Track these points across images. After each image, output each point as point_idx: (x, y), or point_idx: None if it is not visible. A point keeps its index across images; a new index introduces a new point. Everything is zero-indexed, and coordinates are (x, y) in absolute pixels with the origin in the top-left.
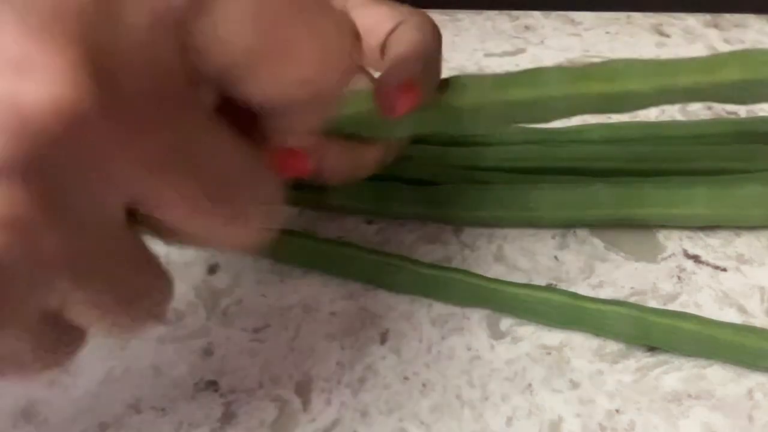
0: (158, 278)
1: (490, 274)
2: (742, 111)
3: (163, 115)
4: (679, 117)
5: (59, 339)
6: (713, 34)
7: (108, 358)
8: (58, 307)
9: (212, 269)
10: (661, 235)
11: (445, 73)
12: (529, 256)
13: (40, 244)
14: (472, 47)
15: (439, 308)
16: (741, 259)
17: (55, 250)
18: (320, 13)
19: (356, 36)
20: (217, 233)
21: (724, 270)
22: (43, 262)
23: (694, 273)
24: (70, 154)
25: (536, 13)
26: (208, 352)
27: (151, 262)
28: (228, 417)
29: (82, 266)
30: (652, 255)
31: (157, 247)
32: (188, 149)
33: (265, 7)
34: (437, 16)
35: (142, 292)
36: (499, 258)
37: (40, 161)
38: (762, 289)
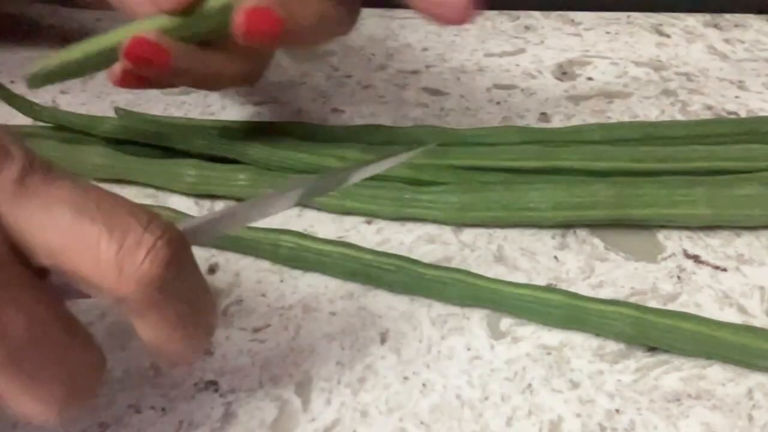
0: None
1: (490, 274)
2: (743, 111)
3: None
4: (679, 117)
5: None
6: (713, 34)
7: (108, 358)
8: None
9: (212, 269)
10: (661, 235)
11: (447, 73)
12: (529, 256)
13: None
14: (472, 47)
15: (439, 308)
16: (741, 259)
17: None
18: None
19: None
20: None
21: (724, 270)
22: None
23: (694, 273)
24: None
25: (536, 13)
26: (208, 352)
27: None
28: (228, 417)
29: None
30: (652, 255)
31: None
32: None
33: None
34: None
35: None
36: (499, 258)
37: None
38: (762, 289)
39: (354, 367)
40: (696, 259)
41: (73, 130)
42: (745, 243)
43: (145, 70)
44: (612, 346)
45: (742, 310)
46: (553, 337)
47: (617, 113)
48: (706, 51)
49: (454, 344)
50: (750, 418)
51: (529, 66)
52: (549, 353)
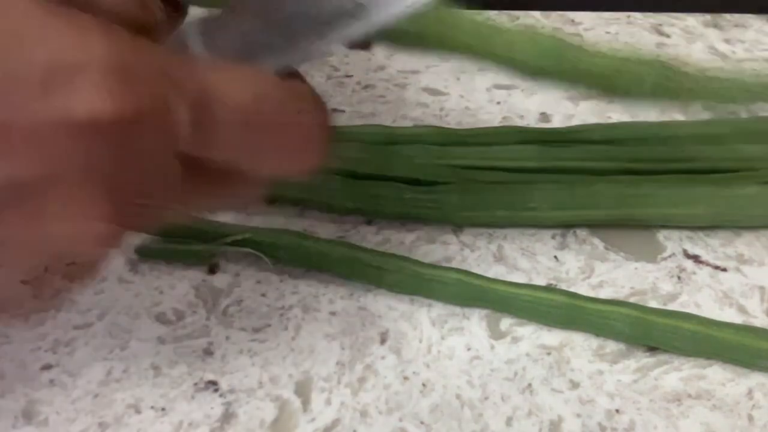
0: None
1: (490, 274)
2: (743, 111)
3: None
4: (679, 117)
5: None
6: (713, 34)
7: (108, 358)
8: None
9: (212, 269)
10: (661, 235)
11: (447, 73)
12: (529, 256)
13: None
14: None
15: (439, 308)
16: (741, 259)
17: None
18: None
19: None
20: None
21: (724, 270)
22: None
23: (694, 273)
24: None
25: (536, 13)
26: (208, 352)
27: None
28: (228, 417)
29: None
30: (652, 255)
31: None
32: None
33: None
34: None
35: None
36: (499, 258)
37: None
38: (762, 289)
39: (354, 367)
40: (696, 259)
41: None
42: (745, 243)
43: None
44: (612, 346)
45: (742, 310)
46: (553, 337)
47: (617, 113)
48: (706, 51)
49: (454, 344)
50: (750, 418)
51: None
52: (549, 353)
